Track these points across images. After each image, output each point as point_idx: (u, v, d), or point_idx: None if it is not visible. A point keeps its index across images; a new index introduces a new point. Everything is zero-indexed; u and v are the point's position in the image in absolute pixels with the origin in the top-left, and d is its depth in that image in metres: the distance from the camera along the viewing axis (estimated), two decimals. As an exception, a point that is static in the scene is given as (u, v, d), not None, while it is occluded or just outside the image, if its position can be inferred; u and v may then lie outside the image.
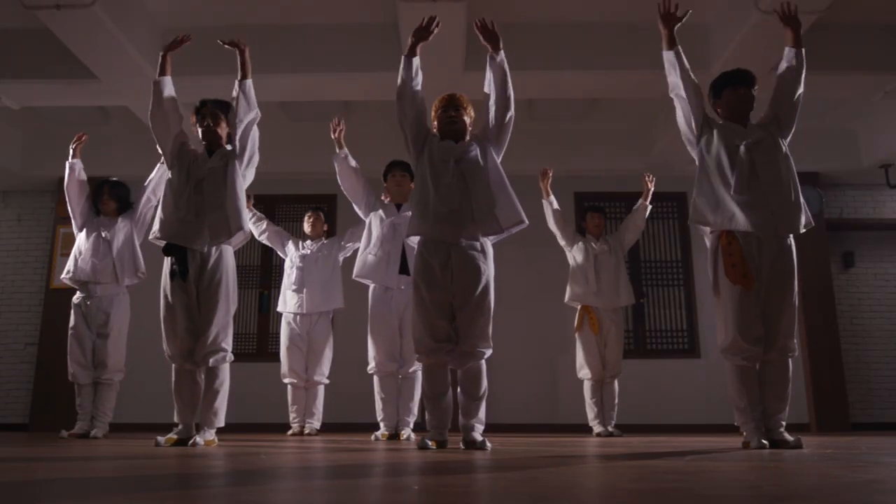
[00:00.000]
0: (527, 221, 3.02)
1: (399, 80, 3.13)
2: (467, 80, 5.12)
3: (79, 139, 4.49)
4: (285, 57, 5.23)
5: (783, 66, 3.18)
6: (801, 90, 3.14)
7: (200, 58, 5.26)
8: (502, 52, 3.14)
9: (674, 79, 3.22)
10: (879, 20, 5.09)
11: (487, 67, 3.16)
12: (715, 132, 3.15)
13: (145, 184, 4.49)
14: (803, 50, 3.14)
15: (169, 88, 3.42)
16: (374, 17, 5.13)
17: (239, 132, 3.38)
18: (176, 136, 3.43)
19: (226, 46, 3.40)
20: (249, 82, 3.41)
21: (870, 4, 4.90)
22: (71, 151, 4.47)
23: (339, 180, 4.38)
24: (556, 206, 5.24)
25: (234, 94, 3.40)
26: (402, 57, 3.13)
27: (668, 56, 3.23)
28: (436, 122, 3.19)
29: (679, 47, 3.21)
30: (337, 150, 4.35)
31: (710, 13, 5.05)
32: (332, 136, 4.38)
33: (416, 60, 3.14)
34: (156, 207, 4.34)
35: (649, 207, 5.24)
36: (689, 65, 3.27)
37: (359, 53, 5.22)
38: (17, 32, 5.15)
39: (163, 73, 3.43)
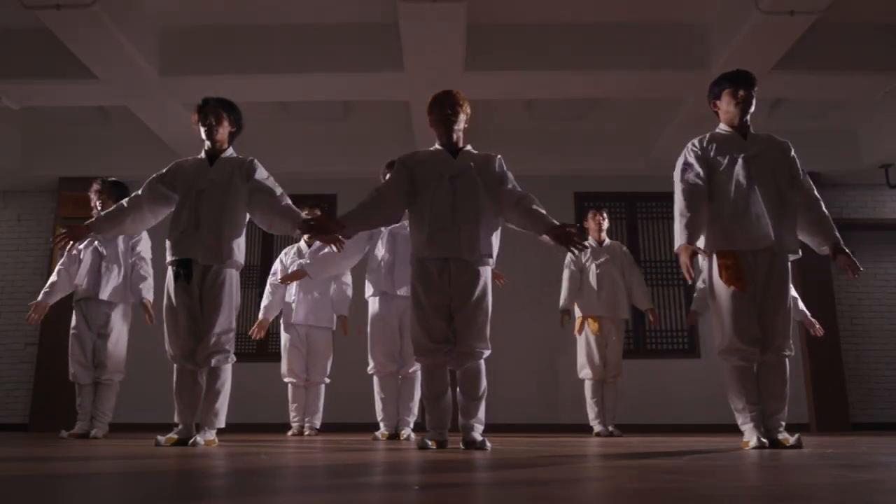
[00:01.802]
0: (493, 262, 3.02)
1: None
2: (467, 80, 5.12)
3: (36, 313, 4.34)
4: (285, 57, 5.23)
5: (822, 232, 3.16)
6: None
7: (200, 58, 5.28)
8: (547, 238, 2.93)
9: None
10: (879, 20, 5.09)
11: (541, 230, 2.92)
12: (715, 157, 3.12)
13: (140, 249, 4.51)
14: (839, 245, 3.13)
15: (111, 226, 3.39)
16: (374, 17, 5.13)
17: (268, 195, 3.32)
18: (162, 194, 3.38)
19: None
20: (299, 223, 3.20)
21: (870, 4, 4.90)
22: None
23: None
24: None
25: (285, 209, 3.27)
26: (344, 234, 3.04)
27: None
28: (430, 119, 3.18)
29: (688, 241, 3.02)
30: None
31: (710, 13, 5.06)
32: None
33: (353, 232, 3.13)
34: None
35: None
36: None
37: (359, 53, 5.22)
38: (17, 32, 5.15)
39: (98, 229, 3.39)
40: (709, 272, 3.11)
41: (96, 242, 4.42)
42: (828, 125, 6.73)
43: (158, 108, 5.78)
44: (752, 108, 3.17)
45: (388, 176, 4.35)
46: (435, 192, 3.01)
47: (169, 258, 3.30)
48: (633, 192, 7.09)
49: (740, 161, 3.06)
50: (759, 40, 4.72)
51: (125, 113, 6.13)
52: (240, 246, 3.38)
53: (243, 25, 5.24)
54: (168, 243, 3.31)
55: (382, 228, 4.25)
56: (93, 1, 4.27)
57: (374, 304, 4.24)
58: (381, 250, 4.23)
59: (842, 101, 6.14)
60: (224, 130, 3.43)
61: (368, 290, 4.28)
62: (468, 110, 3.17)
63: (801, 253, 3.08)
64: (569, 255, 5.13)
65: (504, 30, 5.23)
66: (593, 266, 5.03)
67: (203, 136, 3.41)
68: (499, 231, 3.09)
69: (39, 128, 6.81)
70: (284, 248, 5.28)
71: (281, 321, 5.03)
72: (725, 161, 3.08)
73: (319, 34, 5.23)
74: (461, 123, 3.14)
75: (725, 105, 3.18)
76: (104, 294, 4.34)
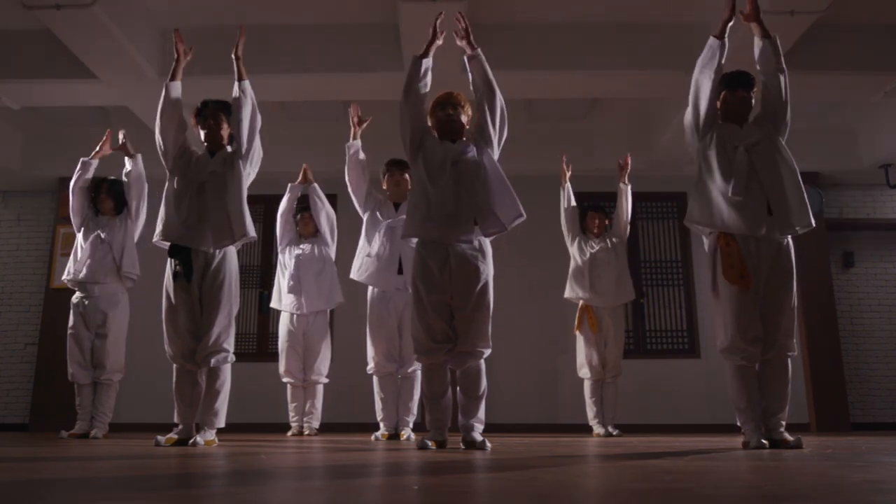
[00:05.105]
0: (524, 215, 3.02)
1: (406, 80, 3.10)
2: (467, 80, 5.11)
3: (107, 141, 4.56)
4: (285, 57, 5.23)
5: (760, 60, 3.16)
6: (784, 81, 3.10)
7: (200, 58, 5.27)
8: (478, 49, 3.14)
9: (708, 64, 3.19)
10: (879, 20, 5.09)
11: (468, 69, 3.15)
12: (716, 133, 3.14)
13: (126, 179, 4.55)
14: (775, 38, 3.14)
15: (177, 92, 3.44)
16: (374, 17, 5.13)
17: (244, 132, 3.38)
18: (178, 140, 3.43)
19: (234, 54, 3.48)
20: (246, 83, 3.46)
21: (870, 4, 4.90)
22: (94, 152, 4.56)
23: (346, 170, 4.35)
24: (568, 203, 5.20)
25: (235, 94, 3.42)
26: (414, 57, 3.13)
27: (714, 43, 3.18)
28: (432, 121, 3.18)
29: (727, 40, 3.17)
30: (351, 140, 4.31)
31: (709, 13, 5.05)
32: (352, 121, 4.35)
33: (427, 62, 3.13)
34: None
35: (628, 189, 5.15)
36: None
37: (359, 53, 5.22)
38: (17, 32, 5.15)
39: (173, 77, 3.44)
40: (711, 268, 3.10)
41: (99, 228, 4.43)
42: (828, 125, 6.72)
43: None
44: (752, 110, 3.17)
45: (387, 175, 4.38)
46: (438, 177, 3.00)
47: (162, 238, 3.31)
48: (632, 192, 7.08)
49: (741, 150, 3.04)
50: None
51: (125, 113, 6.12)
52: (247, 216, 3.38)
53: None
54: (162, 228, 3.30)
55: (380, 216, 4.21)
56: (93, 1, 4.27)
57: (371, 300, 4.23)
58: (377, 244, 4.16)
59: (842, 101, 6.14)
60: (224, 132, 3.47)
61: (355, 272, 4.23)
62: (469, 112, 3.19)
63: (814, 224, 3.02)
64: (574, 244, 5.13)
65: (504, 30, 5.23)
66: (588, 254, 5.02)
67: (203, 138, 3.46)
68: (514, 196, 3.04)
69: (39, 128, 6.81)
70: (284, 243, 5.21)
71: (280, 318, 5.02)
72: (726, 149, 3.07)
73: (319, 34, 5.23)
74: (463, 124, 3.16)
75: (725, 106, 3.19)
76: (106, 277, 4.36)
